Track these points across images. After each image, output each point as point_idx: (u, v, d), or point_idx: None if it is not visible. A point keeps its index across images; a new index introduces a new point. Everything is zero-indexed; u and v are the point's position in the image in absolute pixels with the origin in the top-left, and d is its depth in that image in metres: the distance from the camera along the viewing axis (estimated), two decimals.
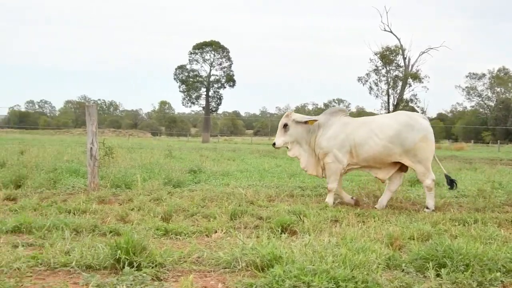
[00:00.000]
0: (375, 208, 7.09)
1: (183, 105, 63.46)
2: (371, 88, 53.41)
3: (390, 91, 52.45)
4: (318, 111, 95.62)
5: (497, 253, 4.08)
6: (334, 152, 7.25)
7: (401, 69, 52.36)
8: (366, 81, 53.78)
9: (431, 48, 50.79)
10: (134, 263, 3.78)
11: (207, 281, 3.74)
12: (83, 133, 47.58)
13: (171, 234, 5.10)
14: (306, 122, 7.46)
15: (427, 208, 7.10)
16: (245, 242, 4.37)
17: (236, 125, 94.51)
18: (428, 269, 3.82)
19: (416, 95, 52.42)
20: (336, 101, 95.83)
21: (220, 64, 62.96)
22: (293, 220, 5.63)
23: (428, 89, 52.60)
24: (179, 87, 62.33)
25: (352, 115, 8.93)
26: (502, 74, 71.01)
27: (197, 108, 65.65)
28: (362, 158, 7.27)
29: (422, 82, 51.42)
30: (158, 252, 4.07)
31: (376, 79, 53.24)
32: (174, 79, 62.57)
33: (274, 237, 4.79)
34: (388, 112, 52.80)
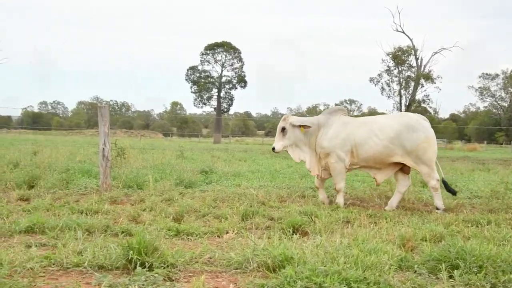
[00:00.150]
0: (385, 210, 7.06)
1: (194, 106, 63.60)
2: (383, 88, 53.18)
3: (402, 91, 52.20)
4: None
5: (511, 255, 4.04)
6: (337, 151, 7.24)
7: (413, 69, 52.08)
8: (378, 81, 53.58)
9: (444, 49, 50.45)
10: (146, 263, 3.79)
11: (218, 281, 3.74)
12: (95, 133, 47.82)
13: (183, 234, 5.12)
14: (299, 126, 7.44)
15: (437, 209, 7.06)
16: (256, 243, 4.37)
17: (248, 125, 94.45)
18: (441, 271, 3.79)
19: (428, 95, 52.13)
20: (348, 102, 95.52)
21: (232, 65, 63.01)
22: (304, 221, 5.62)
23: (440, 89, 52.21)
24: (191, 87, 62.45)
25: (364, 116, 8.89)
26: None
27: (208, 109, 65.75)
28: (362, 158, 7.26)
29: (435, 83, 51.09)
30: (170, 252, 4.08)
31: (388, 80, 53.02)
32: (186, 80, 62.72)
33: (285, 238, 4.79)
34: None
